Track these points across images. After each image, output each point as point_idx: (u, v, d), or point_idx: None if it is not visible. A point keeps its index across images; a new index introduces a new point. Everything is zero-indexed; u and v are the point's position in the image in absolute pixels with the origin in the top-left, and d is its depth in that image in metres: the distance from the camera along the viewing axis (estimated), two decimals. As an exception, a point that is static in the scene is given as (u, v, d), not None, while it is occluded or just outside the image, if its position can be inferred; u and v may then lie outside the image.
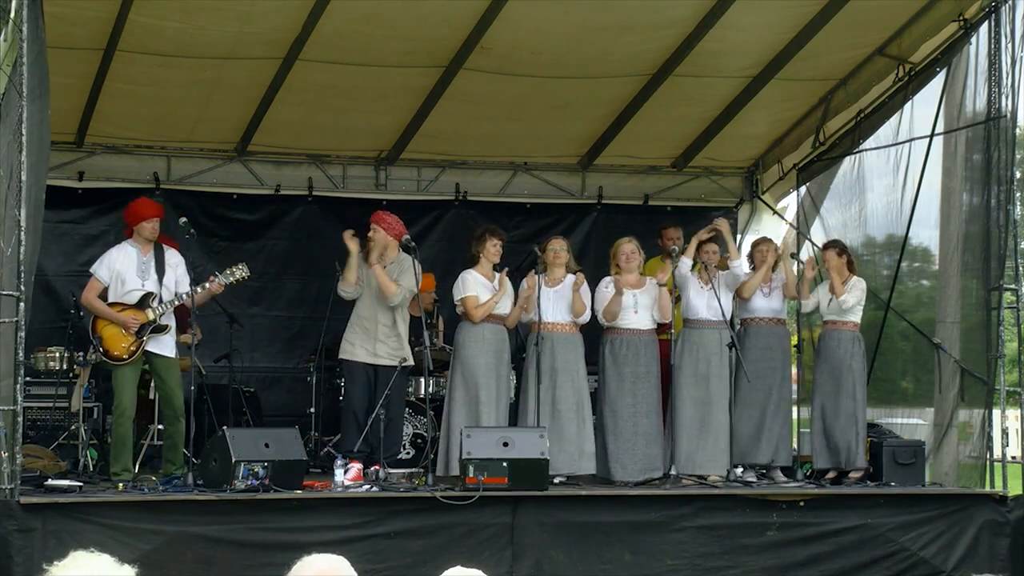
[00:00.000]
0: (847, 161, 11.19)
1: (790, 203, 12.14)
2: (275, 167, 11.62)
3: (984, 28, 9.38)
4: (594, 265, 10.43)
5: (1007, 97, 9.21)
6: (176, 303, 8.89)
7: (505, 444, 8.45)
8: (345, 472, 8.74)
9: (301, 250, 11.71)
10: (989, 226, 9.36)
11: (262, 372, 11.58)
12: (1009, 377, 9.79)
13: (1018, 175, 10.52)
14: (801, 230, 11.59)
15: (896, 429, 10.38)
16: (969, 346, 9.65)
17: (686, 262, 9.61)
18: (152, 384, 9.43)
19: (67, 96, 9.71)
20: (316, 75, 10.03)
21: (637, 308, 9.42)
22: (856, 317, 9.79)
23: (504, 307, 9.36)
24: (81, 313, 9.28)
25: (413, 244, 9.15)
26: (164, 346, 8.85)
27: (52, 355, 10.18)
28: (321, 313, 10.26)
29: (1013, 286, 9.26)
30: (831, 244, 10.12)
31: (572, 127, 11.46)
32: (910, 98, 10.36)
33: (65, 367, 10.06)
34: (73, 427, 9.71)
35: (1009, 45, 9.20)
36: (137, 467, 9.16)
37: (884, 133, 10.74)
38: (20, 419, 7.69)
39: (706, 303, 9.55)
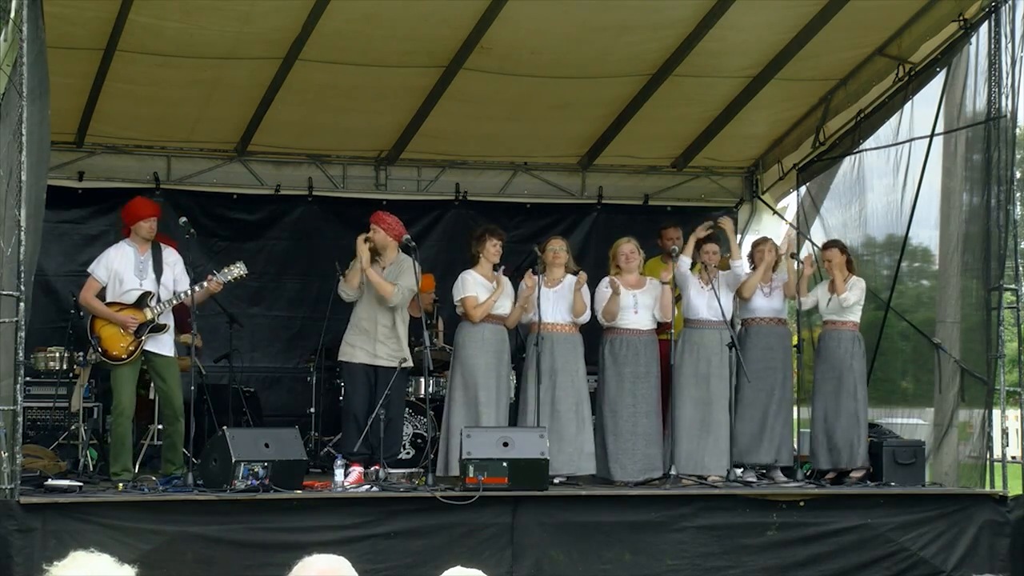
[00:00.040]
0: (847, 161, 11.19)
1: (790, 203, 12.15)
2: (275, 167, 11.62)
3: (984, 28, 9.38)
4: (594, 265, 10.42)
5: (1007, 97, 9.21)
6: (174, 302, 8.88)
7: (505, 444, 8.45)
8: (346, 475, 8.74)
9: (301, 250, 11.71)
10: (989, 226, 9.36)
11: (262, 372, 11.58)
12: (1009, 377, 9.79)
13: (1018, 175, 10.52)
14: (801, 230, 11.59)
15: (896, 429, 10.38)
16: (969, 346, 9.65)
17: (685, 260, 9.61)
18: (152, 384, 9.43)
19: (67, 96, 9.71)
20: (316, 75, 10.03)
21: (637, 308, 9.42)
22: (856, 317, 9.79)
23: (504, 307, 9.36)
24: (81, 313, 9.29)
25: (413, 244, 9.15)
26: (163, 345, 8.85)
27: (52, 355, 10.18)
28: (321, 313, 10.26)
29: (1013, 286, 9.26)
30: (832, 243, 10.12)
31: (572, 127, 11.46)
32: (910, 98, 10.36)
33: (65, 367, 10.07)
34: (73, 427, 9.71)
35: (1009, 45, 9.20)
36: (137, 467, 9.15)
37: (884, 133, 10.74)
38: (20, 419, 7.69)
39: (706, 303, 9.55)
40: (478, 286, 9.32)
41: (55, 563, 3.14)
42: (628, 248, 9.54)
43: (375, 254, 9.25)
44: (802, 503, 8.87)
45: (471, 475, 8.30)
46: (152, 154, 11.30)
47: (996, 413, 9.33)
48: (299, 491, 8.23)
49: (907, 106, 10.43)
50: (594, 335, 9.65)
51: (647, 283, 9.52)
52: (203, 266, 10.13)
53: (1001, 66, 9.22)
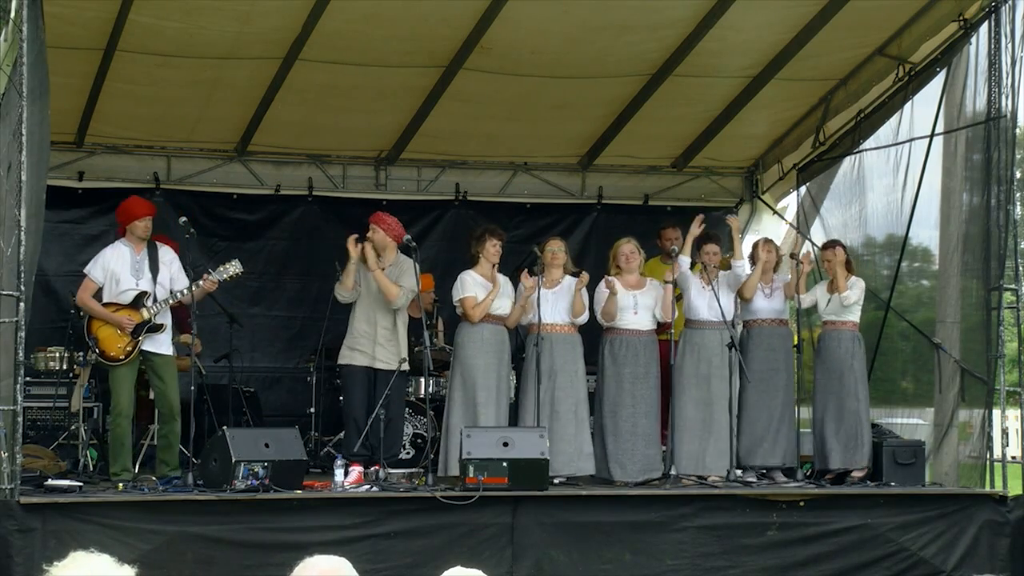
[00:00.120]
0: (847, 161, 11.19)
1: (790, 203, 12.14)
2: (275, 167, 11.62)
3: (984, 28, 9.38)
4: (594, 265, 10.41)
5: (1007, 97, 9.22)
6: (171, 302, 8.86)
7: (505, 444, 8.45)
8: (346, 475, 8.74)
9: (301, 250, 11.71)
10: (989, 226, 9.36)
11: (262, 372, 11.58)
12: (1009, 377, 9.79)
13: (1018, 175, 10.53)
14: (801, 230, 11.60)
15: (896, 429, 10.38)
16: (969, 346, 9.65)
17: (685, 260, 9.60)
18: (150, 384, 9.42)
19: (67, 96, 9.71)
20: (316, 75, 10.03)
21: (637, 309, 9.41)
22: (855, 317, 9.79)
23: (504, 307, 9.35)
24: (81, 313, 9.29)
25: (414, 244, 9.14)
26: (160, 344, 8.83)
27: (52, 355, 10.18)
28: (321, 313, 10.25)
29: (1013, 286, 9.26)
30: (832, 243, 10.12)
31: (572, 127, 11.47)
32: (910, 98, 10.36)
33: (65, 367, 10.06)
34: (73, 427, 9.70)
35: (1009, 45, 9.20)
36: (137, 467, 9.14)
37: (884, 133, 10.74)
38: (20, 419, 7.69)
39: (707, 304, 9.54)
40: (477, 286, 9.32)
41: (55, 563, 3.14)
42: (628, 248, 9.53)
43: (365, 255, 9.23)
44: (802, 503, 8.87)
45: (471, 475, 8.30)
46: (152, 154, 11.30)
47: (996, 413, 9.33)
48: (299, 491, 8.22)
49: (907, 106, 10.43)
50: (594, 335, 9.65)
51: (647, 284, 9.52)
52: (203, 266, 10.12)
53: (1001, 66, 9.22)
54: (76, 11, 8.74)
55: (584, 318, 9.41)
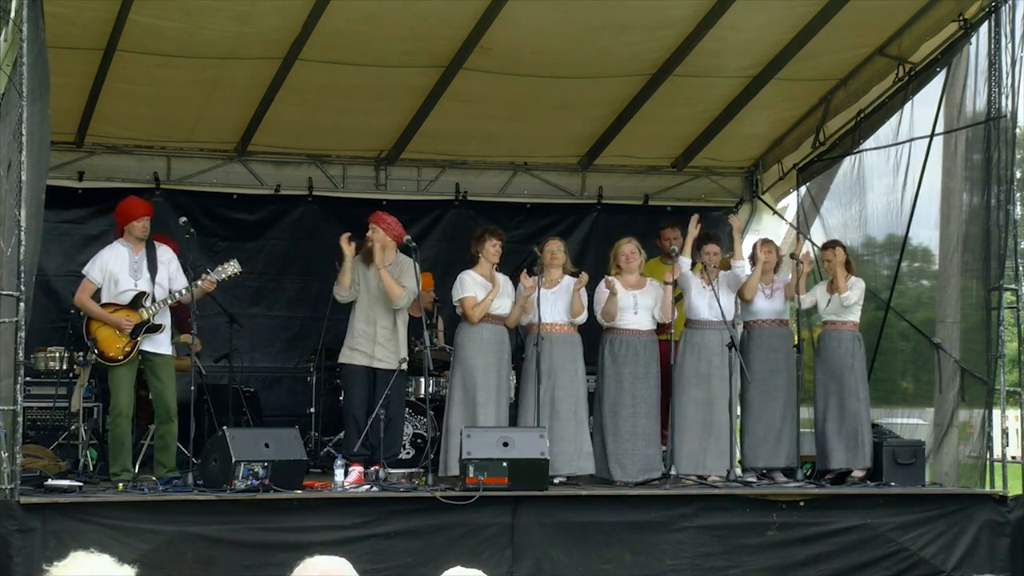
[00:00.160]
0: (847, 161, 11.19)
1: (790, 203, 12.14)
2: (275, 167, 11.62)
3: (984, 28, 9.38)
4: (594, 265, 10.41)
5: (1007, 97, 9.22)
6: (170, 302, 8.86)
7: (505, 444, 8.45)
8: (346, 475, 8.74)
9: (301, 250, 11.71)
10: (989, 226, 9.36)
11: (262, 372, 11.58)
12: (1009, 377, 9.79)
13: (1018, 175, 10.52)
14: (801, 230, 11.60)
15: (896, 429, 10.38)
16: (969, 346, 9.65)
17: (685, 261, 9.60)
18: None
19: (67, 96, 9.71)
20: (316, 75, 10.03)
21: (637, 309, 9.42)
22: (855, 317, 9.79)
23: (504, 307, 9.35)
24: (81, 313, 9.29)
25: (414, 244, 9.14)
26: (159, 344, 8.82)
27: (52, 355, 10.18)
28: (321, 313, 10.25)
29: (1013, 286, 9.27)
30: (832, 243, 10.12)
31: (572, 127, 11.46)
32: (910, 98, 10.36)
33: (65, 367, 10.06)
34: (73, 427, 9.70)
35: (1009, 45, 9.20)
36: (137, 467, 9.14)
37: (884, 133, 10.74)
38: (20, 419, 7.69)
39: (707, 304, 9.54)
40: (476, 286, 9.32)
41: (55, 563, 3.14)
42: (629, 248, 9.53)
43: (373, 254, 9.23)
44: (802, 503, 8.87)
45: (471, 475, 8.30)
46: (152, 154, 11.29)
47: (996, 413, 9.33)
48: (299, 491, 8.22)
49: (907, 106, 10.43)
50: (594, 335, 9.65)
51: (647, 284, 9.52)
52: (203, 266, 10.12)
53: (1001, 66, 9.22)
54: (76, 11, 8.74)
55: (582, 318, 9.41)
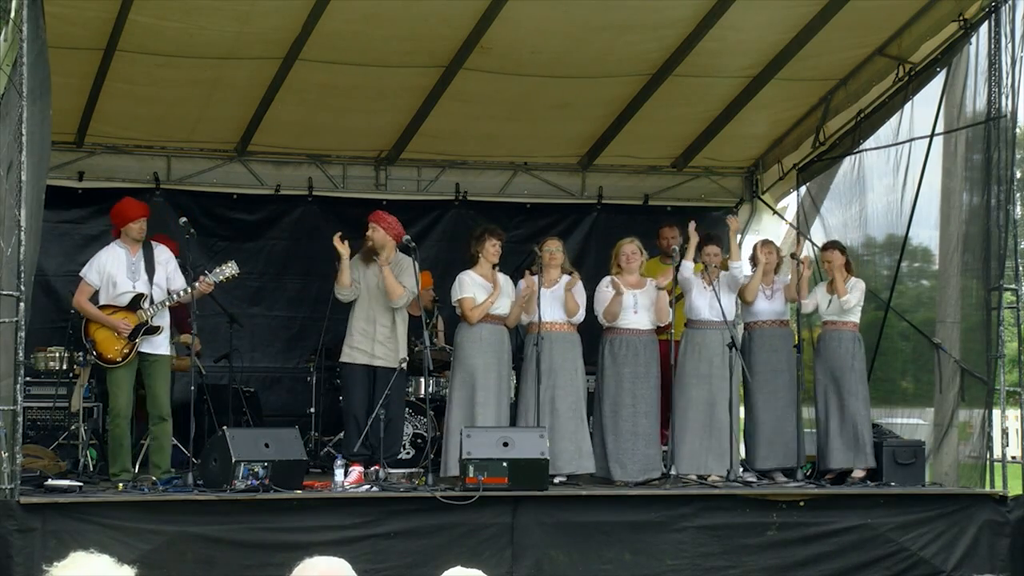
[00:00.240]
0: (847, 161, 11.19)
1: (790, 203, 12.14)
2: (275, 167, 11.62)
3: (984, 28, 9.38)
4: (594, 265, 10.42)
5: (1007, 97, 9.22)
6: (168, 304, 8.85)
7: (505, 444, 8.45)
8: (346, 475, 8.74)
9: (301, 250, 11.71)
10: (989, 226, 9.36)
11: (262, 372, 11.58)
12: (1009, 377, 9.79)
13: (1018, 175, 10.51)
14: (801, 230, 11.60)
15: (896, 429, 10.38)
16: (969, 346, 9.65)
17: (688, 265, 9.59)
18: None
19: (67, 96, 9.70)
20: (316, 75, 10.03)
21: (637, 308, 9.42)
22: (856, 317, 9.80)
23: (504, 307, 9.36)
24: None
25: (413, 244, 9.14)
26: (156, 346, 8.81)
27: (52, 355, 10.17)
28: (321, 313, 10.26)
29: (1013, 286, 9.27)
30: (831, 244, 10.12)
31: (572, 127, 11.46)
32: (910, 98, 10.35)
33: (65, 367, 10.05)
34: (73, 427, 9.69)
35: (1009, 45, 9.20)
36: (137, 467, 9.14)
37: (884, 133, 10.74)
38: (20, 419, 7.69)
39: (708, 304, 9.54)
40: (476, 287, 9.32)
41: (55, 563, 3.14)
42: (630, 248, 9.54)
43: (373, 253, 9.23)
44: (802, 503, 8.88)
45: (471, 475, 8.30)
46: (152, 154, 11.29)
47: (996, 413, 9.33)
48: (299, 491, 8.23)
49: (907, 106, 10.43)
50: (593, 335, 9.65)
51: (647, 284, 9.52)
52: (203, 266, 10.13)
53: (1001, 66, 9.22)
54: (76, 11, 8.74)
55: (579, 317, 9.41)
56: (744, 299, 9.77)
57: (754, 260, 9.90)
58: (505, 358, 9.39)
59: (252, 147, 11.33)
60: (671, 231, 10.62)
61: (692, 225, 9.70)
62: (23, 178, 7.59)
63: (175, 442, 9.16)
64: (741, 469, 9.53)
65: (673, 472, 9.23)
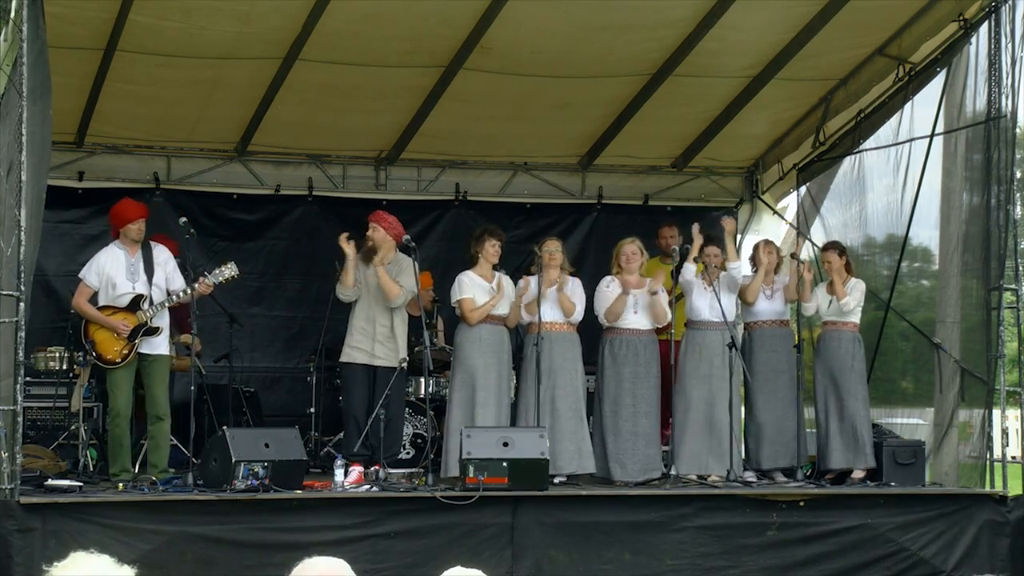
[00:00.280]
0: (847, 161, 11.19)
1: (790, 203, 12.14)
2: (275, 167, 11.62)
3: (984, 28, 9.38)
4: (594, 265, 10.41)
5: (1007, 97, 9.22)
6: (167, 304, 8.85)
7: (505, 444, 8.45)
8: (346, 475, 8.74)
9: (301, 250, 11.71)
10: (989, 226, 9.36)
11: (262, 372, 11.58)
12: (1009, 377, 9.79)
13: (1018, 175, 10.52)
14: (801, 230, 11.60)
15: (896, 429, 10.38)
16: (969, 346, 9.65)
17: (690, 268, 9.59)
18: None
19: (67, 96, 9.70)
20: (316, 75, 10.03)
21: (636, 308, 9.43)
22: (855, 318, 9.80)
23: (504, 308, 9.35)
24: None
25: (413, 244, 9.15)
26: (155, 346, 8.81)
27: (52, 355, 10.17)
28: (321, 313, 10.26)
29: (1013, 286, 9.27)
30: (831, 245, 10.12)
31: (572, 127, 11.46)
32: (910, 98, 10.36)
33: (65, 367, 10.05)
34: (73, 427, 9.69)
35: (1009, 45, 9.20)
36: (137, 467, 9.14)
37: (884, 133, 10.74)
38: (20, 419, 7.69)
39: (708, 304, 9.55)
40: (475, 287, 9.32)
41: (55, 563, 3.14)
42: (631, 249, 9.54)
43: (372, 252, 9.24)
44: (802, 503, 8.88)
45: (471, 475, 8.30)
46: (152, 154, 11.29)
47: (996, 413, 9.33)
48: (299, 491, 8.23)
49: (907, 106, 10.43)
50: (593, 335, 9.65)
51: (647, 284, 9.52)
52: (203, 266, 10.13)
53: (1001, 66, 9.22)
54: (76, 11, 8.74)
55: (576, 316, 9.40)
56: (745, 300, 9.77)
57: (755, 261, 9.90)
58: (505, 358, 9.39)
59: (252, 147, 11.33)
60: (670, 230, 10.63)
61: (696, 227, 9.70)
62: (23, 178, 7.59)
63: (175, 442, 9.18)
64: (741, 469, 9.54)
65: (673, 472, 9.23)
